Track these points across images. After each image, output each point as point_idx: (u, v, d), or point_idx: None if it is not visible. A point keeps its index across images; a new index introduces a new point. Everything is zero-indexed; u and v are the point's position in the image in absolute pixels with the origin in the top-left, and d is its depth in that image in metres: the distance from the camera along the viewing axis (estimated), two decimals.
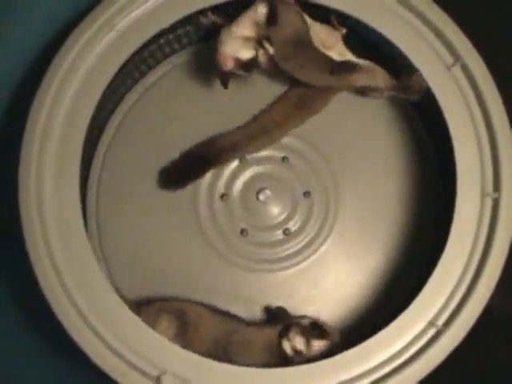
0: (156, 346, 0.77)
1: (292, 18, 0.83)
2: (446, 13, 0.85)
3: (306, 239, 1.00)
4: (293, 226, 1.00)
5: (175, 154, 0.99)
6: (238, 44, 0.85)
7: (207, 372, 0.77)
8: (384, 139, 1.00)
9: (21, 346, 1.05)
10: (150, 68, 1.02)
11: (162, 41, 0.97)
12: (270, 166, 1.01)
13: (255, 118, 0.98)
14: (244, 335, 0.87)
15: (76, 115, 0.83)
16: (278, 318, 0.92)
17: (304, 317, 0.89)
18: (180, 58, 1.03)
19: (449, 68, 0.84)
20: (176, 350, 0.78)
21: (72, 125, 0.83)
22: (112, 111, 1.02)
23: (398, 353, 0.78)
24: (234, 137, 0.97)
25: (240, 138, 0.97)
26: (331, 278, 0.99)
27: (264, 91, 1.00)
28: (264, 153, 1.01)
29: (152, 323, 0.83)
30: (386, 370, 0.77)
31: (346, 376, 0.77)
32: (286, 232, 1.00)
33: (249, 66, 0.87)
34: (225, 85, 0.90)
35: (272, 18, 0.83)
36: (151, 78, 1.03)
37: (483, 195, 0.81)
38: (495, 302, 0.79)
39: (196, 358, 0.77)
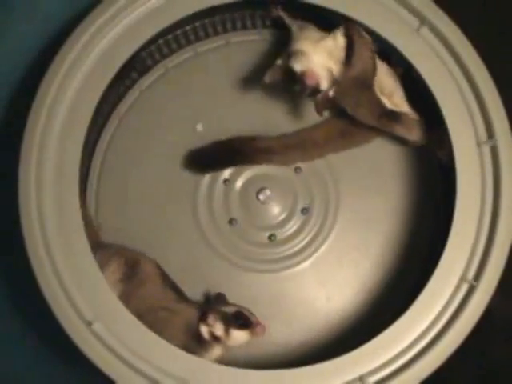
0: (155, 347, 0.77)
1: (365, 57, 0.83)
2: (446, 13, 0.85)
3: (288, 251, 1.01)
4: (280, 234, 1.01)
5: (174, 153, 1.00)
6: (326, 56, 0.82)
7: (205, 373, 0.77)
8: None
9: (20, 347, 1.05)
10: (148, 68, 1.04)
11: (160, 41, 0.99)
12: (282, 171, 1.02)
13: (297, 133, 0.99)
14: (170, 313, 0.86)
15: (76, 115, 0.83)
16: (212, 304, 0.91)
17: (233, 305, 0.87)
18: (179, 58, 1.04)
19: (417, 29, 0.83)
20: (175, 351, 0.77)
21: (72, 124, 0.83)
22: (112, 109, 1.03)
23: (399, 354, 0.77)
24: (272, 142, 0.98)
25: (276, 146, 0.98)
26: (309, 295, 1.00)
27: (262, 92, 1.01)
28: None
29: (103, 264, 0.84)
30: (388, 370, 0.77)
31: (349, 377, 0.76)
32: (272, 238, 1.01)
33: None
34: (320, 112, 0.87)
35: (348, 56, 0.82)
36: (150, 78, 1.04)
37: (479, 144, 0.81)
38: (495, 303, 0.79)
39: (194, 359, 0.77)
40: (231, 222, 1.00)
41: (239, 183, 1.02)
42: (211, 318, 0.82)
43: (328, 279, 1.00)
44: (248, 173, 1.02)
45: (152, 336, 0.78)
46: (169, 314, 0.86)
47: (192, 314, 0.85)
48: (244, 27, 1.04)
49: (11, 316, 1.06)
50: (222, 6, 0.86)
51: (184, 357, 0.77)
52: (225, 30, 1.04)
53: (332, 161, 1.01)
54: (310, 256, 1.01)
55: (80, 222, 0.80)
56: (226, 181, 1.02)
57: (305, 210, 1.01)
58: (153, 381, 0.76)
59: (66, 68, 0.84)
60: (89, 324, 0.77)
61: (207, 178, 1.02)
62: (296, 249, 1.01)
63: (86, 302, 0.78)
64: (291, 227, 1.01)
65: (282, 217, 1.01)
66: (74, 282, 0.79)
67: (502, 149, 0.81)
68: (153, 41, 0.94)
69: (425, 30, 0.83)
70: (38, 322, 1.02)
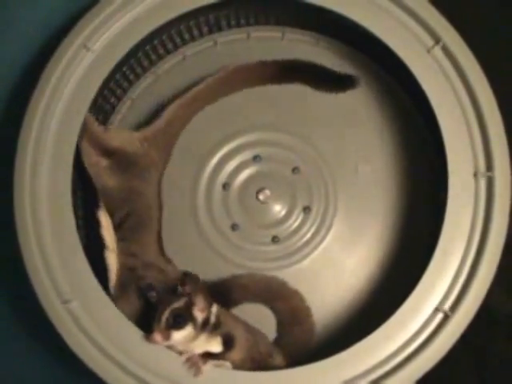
0: (149, 350, 0.76)
1: None
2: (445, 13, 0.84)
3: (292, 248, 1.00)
4: (281, 233, 1.00)
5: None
6: None
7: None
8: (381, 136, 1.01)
9: (20, 347, 1.06)
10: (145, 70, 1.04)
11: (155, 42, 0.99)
12: (281, 170, 1.01)
13: None
14: None
15: (71, 116, 0.84)
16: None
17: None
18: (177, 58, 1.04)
19: (429, 50, 0.83)
20: (168, 354, 0.77)
21: (68, 124, 0.84)
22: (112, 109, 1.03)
23: (398, 350, 0.77)
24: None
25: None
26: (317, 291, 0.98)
27: (259, 95, 1.01)
28: (278, 157, 1.01)
29: None
30: (386, 368, 0.76)
31: (347, 375, 0.76)
32: (275, 240, 1.00)
33: None
34: None
35: None
36: (148, 78, 1.04)
37: (476, 174, 0.80)
38: (495, 301, 0.78)
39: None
40: (233, 227, 1.00)
41: (237, 185, 1.01)
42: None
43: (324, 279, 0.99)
44: (244, 174, 1.02)
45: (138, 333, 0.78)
46: None
47: None
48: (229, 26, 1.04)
49: (11, 316, 1.07)
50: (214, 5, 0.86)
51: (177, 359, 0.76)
52: (211, 31, 1.04)
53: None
54: (307, 256, 1.00)
55: (72, 219, 0.81)
56: (225, 185, 1.01)
57: (307, 209, 1.00)
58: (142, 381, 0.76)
59: (60, 70, 0.84)
60: (84, 327, 0.78)
61: (204, 185, 1.01)
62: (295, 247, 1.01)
63: (82, 304, 0.79)
64: (294, 225, 1.01)
65: (283, 214, 1.01)
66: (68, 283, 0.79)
67: (499, 182, 0.79)
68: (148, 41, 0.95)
69: (437, 50, 0.83)
70: (38, 322, 1.02)
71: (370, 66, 1.02)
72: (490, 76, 0.81)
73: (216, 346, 0.77)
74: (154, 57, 1.02)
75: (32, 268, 0.80)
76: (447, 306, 0.78)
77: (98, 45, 0.85)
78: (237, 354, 0.78)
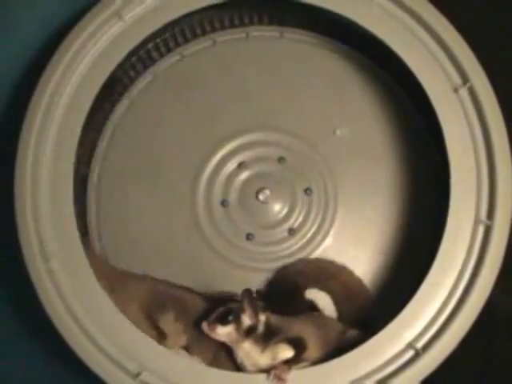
0: (138, 342, 0.78)
1: None
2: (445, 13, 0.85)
3: (309, 234, 1.00)
4: (294, 223, 1.01)
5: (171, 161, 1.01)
6: None
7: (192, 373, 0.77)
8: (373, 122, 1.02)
9: (20, 347, 1.06)
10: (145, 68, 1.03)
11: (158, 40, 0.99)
12: (267, 166, 1.02)
13: None
14: None
15: (71, 117, 0.84)
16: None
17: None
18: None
19: (456, 90, 0.83)
20: (156, 347, 0.78)
21: (67, 127, 0.84)
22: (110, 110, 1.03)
23: (403, 350, 0.77)
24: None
25: None
26: None
27: (255, 97, 1.01)
28: (260, 154, 1.02)
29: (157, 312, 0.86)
30: (392, 368, 0.77)
31: (354, 375, 0.76)
32: (291, 232, 1.00)
33: None
34: None
35: None
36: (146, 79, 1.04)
37: (476, 222, 0.80)
38: (497, 300, 0.79)
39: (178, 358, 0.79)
40: (248, 237, 1.00)
41: (236, 198, 1.01)
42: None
43: None
44: (237, 185, 1.02)
45: (136, 332, 0.79)
46: None
47: None
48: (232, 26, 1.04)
49: (11, 317, 1.07)
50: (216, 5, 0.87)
51: (165, 353, 0.78)
52: (211, 30, 1.04)
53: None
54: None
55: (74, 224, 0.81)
56: (223, 202, 1.01)
57: (308, 190, 1.01)
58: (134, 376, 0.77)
59: (61, 70, 0.84)
60: (77, 318, 0.78)
61: (202, 206, 1.01)
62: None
63: (77, 298, 0.79)
64: (302, 210, 1.01)
65: (289, 205, 1.01)
66: (66, 279, 0.80)
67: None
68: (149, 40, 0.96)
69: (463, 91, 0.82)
70: (38, 323, 1.02)
71: (372, 68, 1.03)
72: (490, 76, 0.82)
73: (285, 353, 0.79)
74: (154, 54, 1.02)
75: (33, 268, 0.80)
76: (451, 306, 0.78)
77: (99, 45, 0.85)
78: (312, 352, 0.81)
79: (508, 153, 0.81)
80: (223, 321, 0.80)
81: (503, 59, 0.90)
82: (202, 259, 0.99)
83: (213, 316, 0.80)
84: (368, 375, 0.76)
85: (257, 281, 0.97)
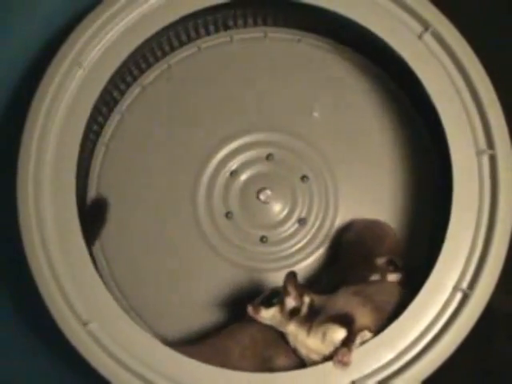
0: (146, 346, 0.78)
1: None
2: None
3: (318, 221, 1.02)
4: (301, 212, 1.02)
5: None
6: None
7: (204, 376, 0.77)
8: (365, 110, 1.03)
9: (19, 348, 1.06)
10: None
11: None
12: (258, 167, 1.03)
13: None
14: None
15: (73, 120, 0.84)
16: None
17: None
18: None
19: (420, 36, 0.83)
20: (170, 353, 0.78)
21: (69, 125, 0.84)
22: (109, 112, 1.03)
23: (405, 351, 0.77)
24: None
25: None
26: None
27: (251, 101, 1.02)
28: (248, 157, 1.03)
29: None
30: (393, 368, 0.76)
31: (355, 375, 0.76)
32: (301, 222, 1.01)
33: None
34: None
35: None
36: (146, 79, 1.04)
37: (478, 153, 0.80)
38: (496, 300, 0.78)
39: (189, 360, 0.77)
40: (262, 239, 1.01)
41: (239, 205, 1.02)
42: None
43: None
44: (236, 192, 1.03)
45: (147, 337, 0.79)
46: None
47: None
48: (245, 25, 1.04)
49: (11, 317, 1.07)
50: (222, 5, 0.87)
51: (176, 357, 0.77)
52: (228, 27, 1.05)
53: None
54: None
55: (77, 224, 0.81)
56: (227, 214, 1.02)
57: (304, 178, 1.02)
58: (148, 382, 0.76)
59: (65, 68, 0.84)
60: (84, 324, 0.77)
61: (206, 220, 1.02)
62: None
63: (83, 302, 0.78)
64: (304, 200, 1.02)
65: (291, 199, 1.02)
66: (70, 282, 0.79)
67: (501, 158, 0.80)
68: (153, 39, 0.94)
69: (427, 37, 0.83)
70: (37, 323, 1.02)
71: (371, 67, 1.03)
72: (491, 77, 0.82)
73: (336, 333, 0.77)
74: (167, 48, 1.03)
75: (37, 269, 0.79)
76: (452, 307, 0.78)
77: (110, 35, 0.85)
78: (363, 321, 0.78)
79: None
80: (267, 304, 0.80)
81: (503, 59, 0.90)
82: (221, 276, 1.00)
83: (257, 300, 0.81)
84: (369, 375, 0.76)
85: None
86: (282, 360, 0.83)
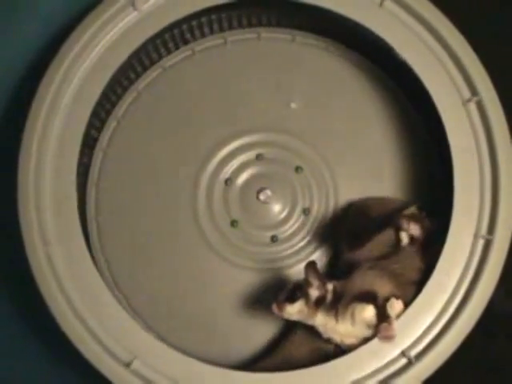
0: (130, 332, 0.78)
1: None
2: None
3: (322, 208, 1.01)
4: (304, 203, 1.01)
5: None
6: None
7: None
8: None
9: (19, 348, 1.06)
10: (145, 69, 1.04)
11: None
12: (252, 168, 1.02)
13: None
14: None
15: (73, 119, 0.84)
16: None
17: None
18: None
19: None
20: (148, 338, 0.79)
21: (71, 125, 0.84)
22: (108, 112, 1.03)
23: (406, 350, 0.77)
24: None
25: None
26: None
27: (249, 103, 1.02)
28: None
29: None
30: (394, 368, 0.77)
31: (355, 375, 0.76)
32: (306, 212, 1.01)
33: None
34: None
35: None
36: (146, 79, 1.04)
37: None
38: (497, 300, 0.79)
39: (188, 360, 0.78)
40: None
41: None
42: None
43: None
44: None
45: (147, 336, 0.79)
46: None
47: None
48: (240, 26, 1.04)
49: (11, 317, 1.07)
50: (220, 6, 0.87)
51: (156, 344, 0.78)
52: (221, 29, 1.04)
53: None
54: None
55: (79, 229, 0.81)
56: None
57: (299, 169, 1.01)
58: (147, 381, 0.77)
59: (64, 68, 0.84)
60: (85, 323, 0.78)
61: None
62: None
63: (83, 301, 0.79)
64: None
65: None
66: (70, 282, 0.79)
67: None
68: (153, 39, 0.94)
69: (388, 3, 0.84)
70: (37, 323, 1.03)
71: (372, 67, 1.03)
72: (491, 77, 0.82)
73: (364, 312, 0.77)
74: (162, 50, 1.02)
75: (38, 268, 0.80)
76: (452, 308, 0.78)
77: (109, 36, 0.85)
78: (388, 290, 0.78)
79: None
80: (291, 299, 0.78)
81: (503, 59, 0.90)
82: (237, 283, 0.98)
83: (281, 297, 0.79)
84: (369, 375, 0.76)
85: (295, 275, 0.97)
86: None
